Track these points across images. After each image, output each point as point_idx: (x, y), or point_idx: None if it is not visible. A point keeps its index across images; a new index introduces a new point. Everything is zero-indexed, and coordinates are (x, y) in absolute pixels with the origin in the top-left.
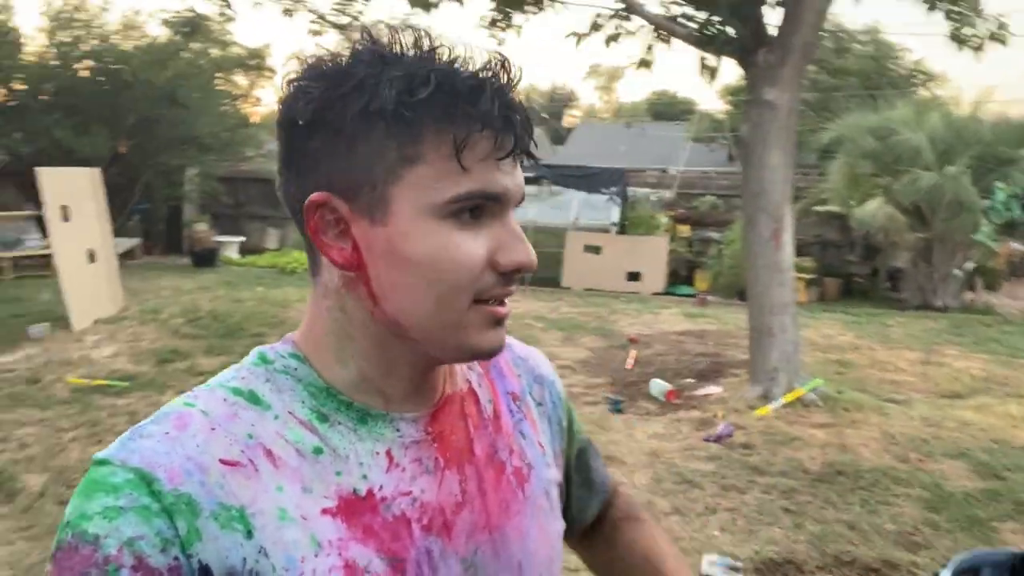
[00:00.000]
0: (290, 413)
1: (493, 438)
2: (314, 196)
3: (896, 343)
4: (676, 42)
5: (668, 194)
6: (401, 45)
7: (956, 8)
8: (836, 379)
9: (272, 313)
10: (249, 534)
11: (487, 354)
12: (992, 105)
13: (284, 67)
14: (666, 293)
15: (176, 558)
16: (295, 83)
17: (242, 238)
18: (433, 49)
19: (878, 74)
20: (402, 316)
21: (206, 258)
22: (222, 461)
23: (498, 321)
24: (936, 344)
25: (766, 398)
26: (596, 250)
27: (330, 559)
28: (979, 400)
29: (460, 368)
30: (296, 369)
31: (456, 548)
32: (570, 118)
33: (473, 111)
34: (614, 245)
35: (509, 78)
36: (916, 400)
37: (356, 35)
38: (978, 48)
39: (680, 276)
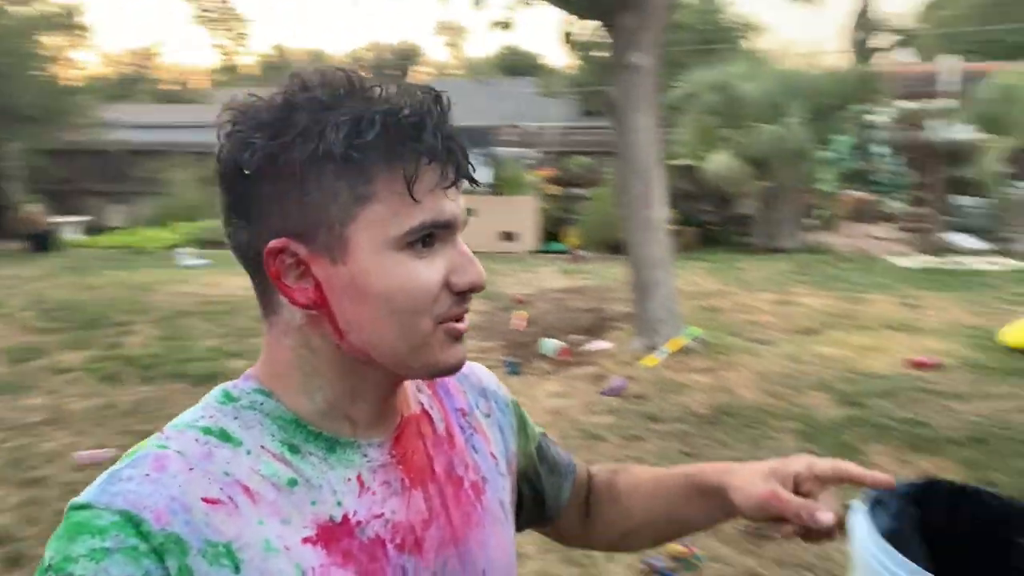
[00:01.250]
0: (262, 447)
1: (449, 455)
2: (273, 243)
3: (753, 286)
4: (536, 2)
5: (535, 153)
6: (333, 88)
7: None
8: (709, 325)
9: (134, 299)
10: (236, 568)
11: (452, 369)
12: (821, 57)
13: (219, 117)
14: (540, 252)
15: None
16: (235, 133)
17: (86, 217)
18: (367, 89)
19: (708, 28)
20: (370, 346)
21: (42, 241)
22: (204, 500)
23: (458, 337)
24: (787, 284)
25: (652, 349)
26: (469, 212)
27: None
28: (831, 334)
29: (412, 391)
30: (263, 404)
31: (427, 563)
32: (419, 75)
33: (418, 146)
34: (487, 206)
35: (443, 110)
36: (779, 339)
37: (287, 80)
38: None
39: (552, 235)
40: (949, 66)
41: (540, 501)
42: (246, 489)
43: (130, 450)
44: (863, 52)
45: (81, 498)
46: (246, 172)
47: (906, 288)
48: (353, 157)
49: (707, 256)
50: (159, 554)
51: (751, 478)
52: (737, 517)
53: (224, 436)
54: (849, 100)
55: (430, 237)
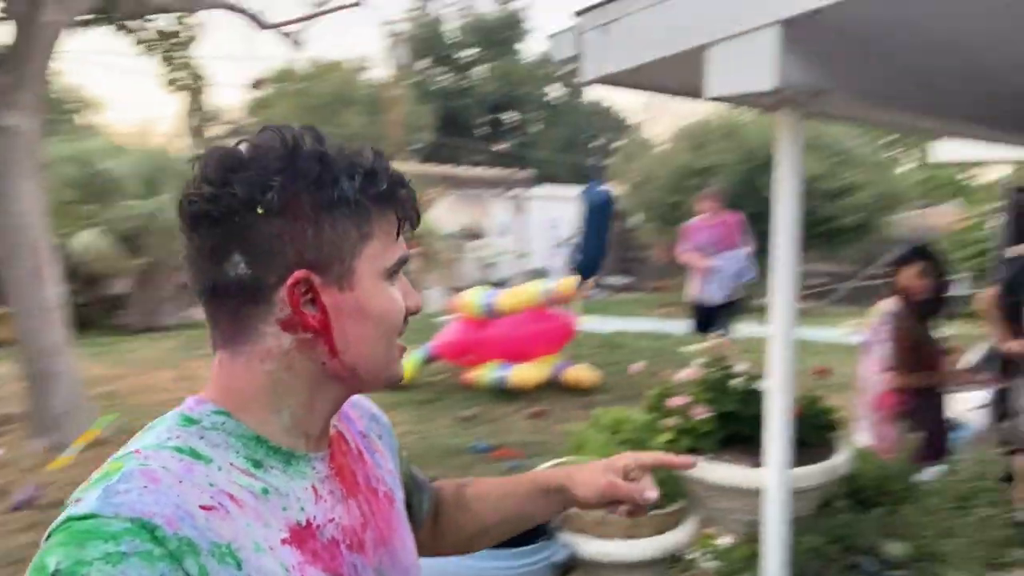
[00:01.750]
0: (231, 464)
1: (364, 470)
2: (298, 274)
3: (148, 366)
4: None
5: None
6: (319, 141)
7: (173, 55)
8: (117, 411)
9: None
10: (239, 566)
11: (401, 378)
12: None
13: (203, 162)
14: None
15: None
16: (245, 177)
17: None
18: (337, 145)
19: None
20: (360, 360)
21: None
22: (201, 507)
23: (401, 352)
24: (183, 360)
25: (59, 448)
26: None
27: None
28: None
29: None
30: (224, 423)
31: (370, 561)
32: None
33: (401, 195)
34: None
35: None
36: None
37: (264, 133)
38: (186, 90)
39: None
40: None
41: (410, 515)
42: (231, 496)
43: (104, 470)
44: (199, 137)
45: (80, 510)
46: (260, 211)
47: None
48: (361, 203)
49: (83, 339)
50: (176, 557)
51: (591, 476)
52: (574, 507)
53: (195, 454)
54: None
55: (396, 271)
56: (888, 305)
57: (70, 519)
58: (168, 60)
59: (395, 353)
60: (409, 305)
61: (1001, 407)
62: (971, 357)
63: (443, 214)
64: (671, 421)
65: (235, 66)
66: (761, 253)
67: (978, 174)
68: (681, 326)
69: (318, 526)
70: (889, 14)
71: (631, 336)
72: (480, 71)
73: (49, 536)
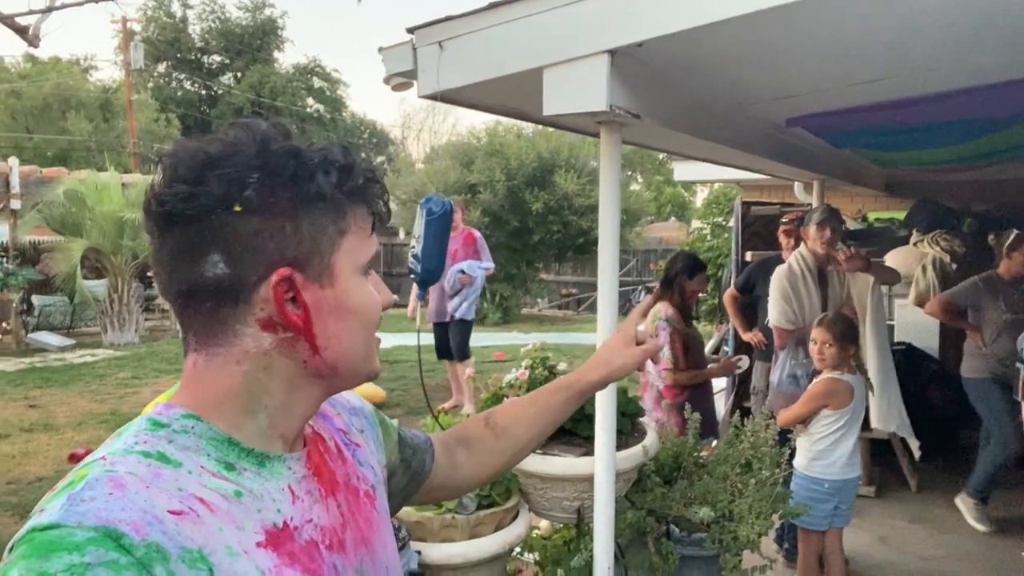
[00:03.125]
0: (201, 467)
1: (344, 469)
2: (282, 272)
3: None
4: None
5: None
6: (290, 137)
7: None
8: None
9: None
10: (211, 571)
11: (378, 372)
12: None
13: (165, 161)
14: None
15: None
16: (220, 173)
17: None
18: (311, 143)
19: None
20: (341, 357)
21: None
22: (170, 512)
23: (378, 345)
24: None
25: None
26: None
27: None
28: None
29: None
30: (194, 427)
31: (350, 562)
32: None
33: (374, 190)
34: None
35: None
36: None
37: (236, 128)
38: None
39: None
40: (21, 169)
41: (412, 475)
42: (201, 500)
43: (70, 478)
44: None
45: (44, 520)
46: (238, 208)
47: (19, 391)
48: (337, 198)
49: None
50: (144, 564)
51: (620, 360)
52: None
53: (163, 458)
54: None
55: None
56: (663, 310)
57: (33, 530)
58: None
59: (373, 347)
60: (384, 300)
61: (743, 388)
62: (709, 348)
63: None
64: None
65: None
66: (529, 266)
67: (697, 191)
68: None
69: (295, 527)
70: (684, 53)
71: (409, 350)
72: (231, 79)
73: (12, 548)
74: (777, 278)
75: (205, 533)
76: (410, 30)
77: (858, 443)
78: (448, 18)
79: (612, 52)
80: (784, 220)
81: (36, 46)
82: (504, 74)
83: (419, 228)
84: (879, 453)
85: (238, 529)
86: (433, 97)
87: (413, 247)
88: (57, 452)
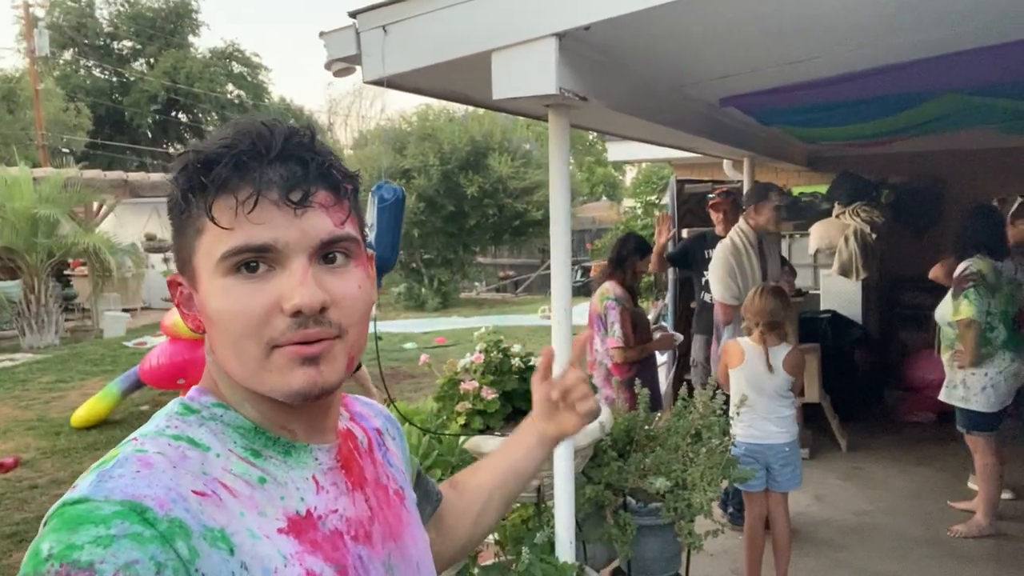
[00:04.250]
0: (229, 451)
1: (374, 467)
2: (169, 278)
3: None
4: None
5: None
6: (203, 140)
7: None
8: None
9: None
10: (232, 551)
11: (301, 393)
12: None
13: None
14: None
15: None
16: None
17: None
18: (220, 136)
19: None
20: (225, 365)
21: None
22: (194, 492)
23: (306, 360)
24: None
25: None
26: None
27: (295, 569)
28: None
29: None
30: (223, 415)
31: (377, 553)
32: None
33: (213, 180)
34: None
35: (275, 132)
36: None
37: None
38: None
39: None
40: None
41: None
42: (224, 486)
43: (105, 457)
44: None
45: (74, 495)
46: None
47: None
48: (189, 199)
49: None
50: (166, 539)
51: (552, 421)
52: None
53: (192, 442)
54: None
55: (255, 263)
56: (612, 289)
57: (64, 504)
58: None
59: (267, 362)
60: (283, 305)
61: (683, 361)
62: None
63: (115, 226)
64: (463, 406)
65: None
66: (466, 250)
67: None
68: (393, 325)
69: (319, 516)
70: (628, 36)
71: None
72: (143, 66)
73: (46, 522)
74: (721, 256)
75: (227, 515)
76: (352, 14)
77: (781, 411)
78: (393, 1)
79: (560, 35)
80: (711, 195)
81: None
82: (451, 58)
83: (371, 216)
84: (811, 417)
85: (260, 514)
86: (379, 83)
87: (366, 236)
88: None
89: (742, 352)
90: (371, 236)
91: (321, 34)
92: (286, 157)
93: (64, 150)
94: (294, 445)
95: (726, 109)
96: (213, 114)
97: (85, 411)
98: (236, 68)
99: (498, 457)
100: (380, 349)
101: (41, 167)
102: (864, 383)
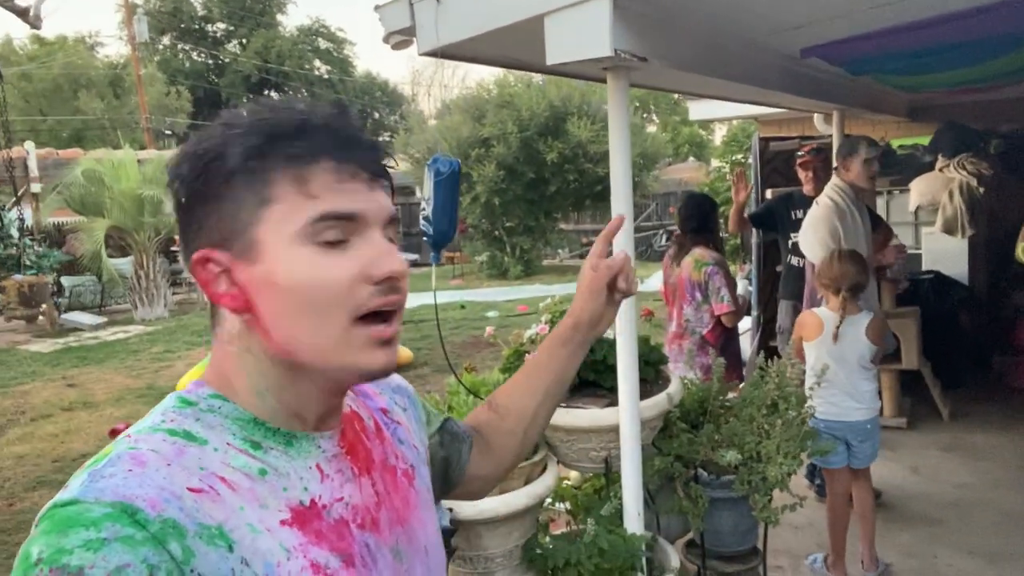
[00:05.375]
0: (227, 444)
1: (381, 448)
2: (195, 255)
3: None
4: None
5: None
6: (238, 112)
7: None
8: None
9: None
10: (230, 548)
11: (379, 373)
12: None
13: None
14: None
15: None
16: (171, 171)
17: None
18: (268, 107)
19: None
20: (291, 344)
21: None
22: (189, 489)
23: (384, 342)
24: None
25: None
26: None
27: (298, 562)
28: (10, 434)
29: None
30: (220, 407)
31: (385, 540)
32: None
33: (304, 146)
34: None
35: (341, 114)
36: None
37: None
38: None
39: None
40: (38, 152)
41: (446, 468)
42: (223, 480)
43: (98, 455)
44: None
45: (64, 496)
46: (182, 200)
47: (57, 371)
48: (252, 167)
49: None
50: (158, 540)
51: (581, 295)
52: (593, 332)
53: (189, 437)
54: None
55: (338, 232)
56: (707, 255)
57: (55, 506)
58: None
59: (350, 335)
60: (372, 272)
61: (769, 327)
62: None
63: None
64: None
65: None
66: (547, 217)
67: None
68: (476, 294)
69: (324, 506)
70: None
71: (433, 309)
72: (236, 47)
73: (37, 524)
74: (824, 216)
75: (225, 511)
76: None
77: (862, 385)
78: None
79: None
80: (800, 153)
81: (38, 27)
82: (504, 24)
83: (428, 189)
84: (910, 384)
85: (261, 507)
86: (433, 54)
87: (424, 209)
88: (98, 428)
89: (820, 323)
90: (428, 210)
91: (376, 8)
92: (359, 135)
93: (167, 132)
94: (295, 435)
95: (808, 60)
96: (303, 91)
97: (189, 379)
98: (322, 44)
99: (535, 370)
100: (464, 318)
101: (146, 149)
102: (969, 348)
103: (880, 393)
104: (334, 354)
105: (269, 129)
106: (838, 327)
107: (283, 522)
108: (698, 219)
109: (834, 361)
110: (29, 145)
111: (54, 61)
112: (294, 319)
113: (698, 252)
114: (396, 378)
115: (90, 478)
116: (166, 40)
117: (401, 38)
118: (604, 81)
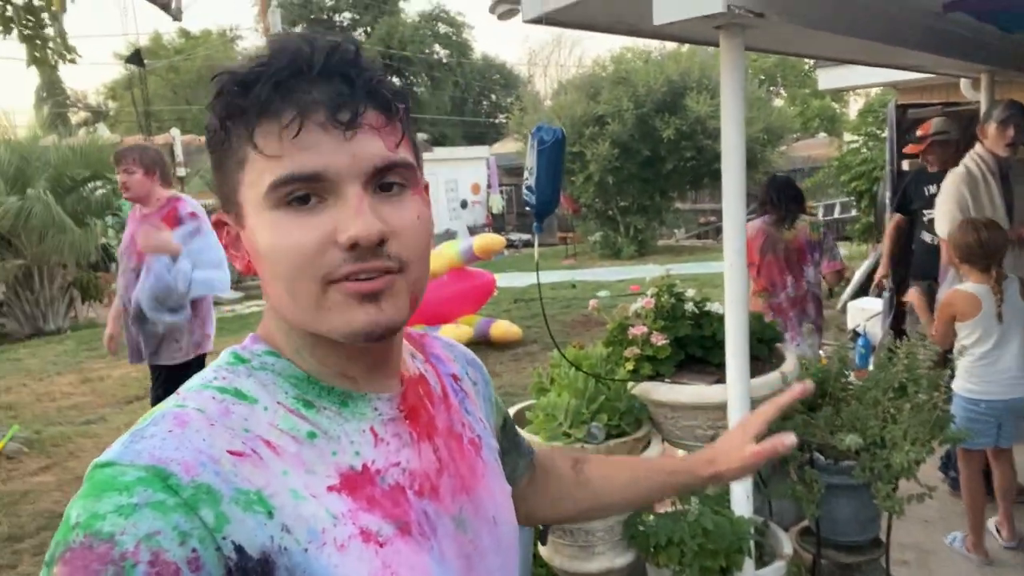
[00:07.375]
0: (278, 403)
1: (447, 414)
2: (213, 217)
3: (43, 373)
4: None
5: None
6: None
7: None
8: (18, 421)
9: None
10: (270, 514)
11: (363, 332)
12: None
13: None
14: None
15: (194, 550)
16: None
17: None
18: (254, 58)
19: None
20: (280, 308)
21: None
22: (229, 452)
23: (365, 296)
24: (82, 363)
25: None
26: None
27: (347, 528)
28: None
29: (407, 356)
30: (274, 364)
31: (446, 508)
32: None
33: (251, 102)
34: None
35: (312, 46)
36: (110, 414)
37: None
38: (51, 67)
39: None
40: (182, 139)
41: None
42: (268, 443)
43: (147, 413)
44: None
45: (104, 457)
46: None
47: None
48: (229, 128)
49: None
50: (190, 506)
51: (733, 455)
52: (719, 482)
53: (239, 395)
54: (96, 171)
55: (305, 195)
56: (812, 219)
57: (96, 466)
58: (30, 39)
59: (324, 299)
60: (338, 237)
61: (901, 309)
62: (864, 270)
63: None
64: (631, 351)
65: (91, 45)
66: (663, 196)
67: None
68: (588, 274)
69: (377, 471)
70: None
71: (544, 288)
72: (362, 35)
73: (85, 482)
74: (952, 184)
75: (267, 476)
76: None
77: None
78: None
79: None
80: (914, 136)
81: (179, 19)
82: None
83: (531, 159)
84: None
85: (307, 472)
86: (539, 21)
87: (527, 179)
88: None
89: (976, 300)
90: (531, 180)
91: None
92: (330, 74)
93: None
94: (351, 395)
95: (952, 15)
96: (423, 75)
97: None
98: (442, 29)
99: (634, 476)
100: (575, 297)
101: None
102: None
103: None
104: (312, 319)
105: (235, 80)
106: (1001, 303)
107: (331, 488)
108: (794, 191)
109: (1001, 337)
110: (175, 132)
111: (197, 54)
112: (273, 284)
113: (806, 217)
114: (473, 355)
115: (131, 438)
116: (298, 30)
117: (507, 7)
118: (716, 44)
